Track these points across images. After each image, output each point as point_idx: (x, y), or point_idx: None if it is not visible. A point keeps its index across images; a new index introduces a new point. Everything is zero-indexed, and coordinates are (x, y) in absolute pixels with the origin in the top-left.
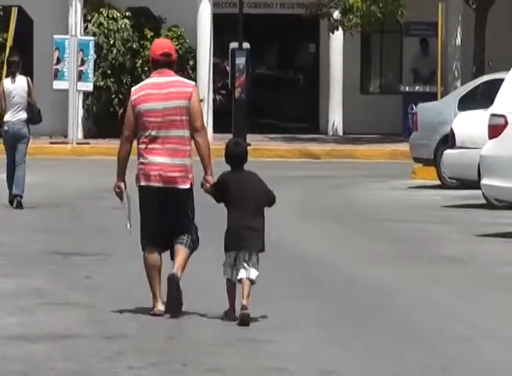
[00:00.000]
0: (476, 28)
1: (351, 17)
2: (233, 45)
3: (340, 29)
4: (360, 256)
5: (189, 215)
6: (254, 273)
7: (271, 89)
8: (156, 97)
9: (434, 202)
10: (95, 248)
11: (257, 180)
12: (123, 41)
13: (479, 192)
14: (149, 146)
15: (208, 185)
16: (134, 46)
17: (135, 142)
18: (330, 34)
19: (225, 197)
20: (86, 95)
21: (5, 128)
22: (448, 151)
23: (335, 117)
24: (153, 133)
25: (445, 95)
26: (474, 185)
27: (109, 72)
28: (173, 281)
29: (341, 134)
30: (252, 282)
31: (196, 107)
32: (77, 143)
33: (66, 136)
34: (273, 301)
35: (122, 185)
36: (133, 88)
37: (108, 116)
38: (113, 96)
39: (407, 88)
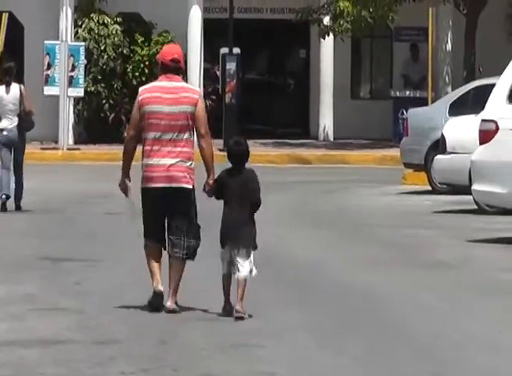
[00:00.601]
0: (466, 33)
1: (341, 23)
2: (224, 50)
3: (330, 34)
4: (353, 261)
5: (191, 213)
6: (247, 270)
7: (261, 94)
8: (162, 100)
9: (425, 207)
10: (85, 254)
11: (250, 178)
12: (113, 47)
13: (470, 197)
14: (154, 147)
15: (209, 188)
16: (124, 51)
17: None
18: (321, 39)
19: (222, 194)
20: (77, 100)
21: (4, 133)
22: (438, 156)
23: (326, 122)
24: (158, 136)
25: (435, 101)
26: (465, 190)
27: (99, 77)
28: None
29: (332, 139)
30: (245, 279)
31: (202, 114)
32: (68, 149)
33: (56, 142)
34: (265, 307)
35: (127, 180)
36: (141, 88)
37: (99, 121)
38: (104, 102)
39: (397, 94)
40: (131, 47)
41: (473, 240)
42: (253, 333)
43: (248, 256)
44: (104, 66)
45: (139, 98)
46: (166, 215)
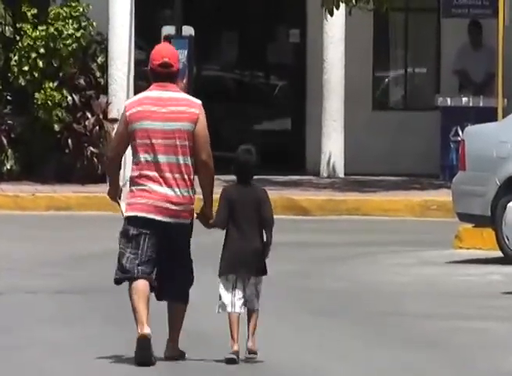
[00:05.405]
0: None
1: None
2: (168, 30)
3: (341, 6)
4: (370, 370)
5: (189, 249)
6: (256, 304)
7: (228, 102)
8: (155, 115)
9: (491, 285)
10: None
11: (262, 196)
12: None
13: None
14: (145, 172)
15: (205, 219)
16: (7, 33)
17: None
18: (326, 15)
19: (229, 217)
20: None
21: None
22: None
23: (332, 148)
24: (151, 158)
25: (509, 114)
26: None
27: None
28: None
29: (342, 175)
30: (257, 311)
31: (203, 135)
32: None
33: None
34: None
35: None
36: (127, 102)
37: None
38: None
39: (448, 102)
40: (18, 25)
41: None
42: None
43: (259, 285)
44: None
45: (127, 113)
46: (159, 252)
